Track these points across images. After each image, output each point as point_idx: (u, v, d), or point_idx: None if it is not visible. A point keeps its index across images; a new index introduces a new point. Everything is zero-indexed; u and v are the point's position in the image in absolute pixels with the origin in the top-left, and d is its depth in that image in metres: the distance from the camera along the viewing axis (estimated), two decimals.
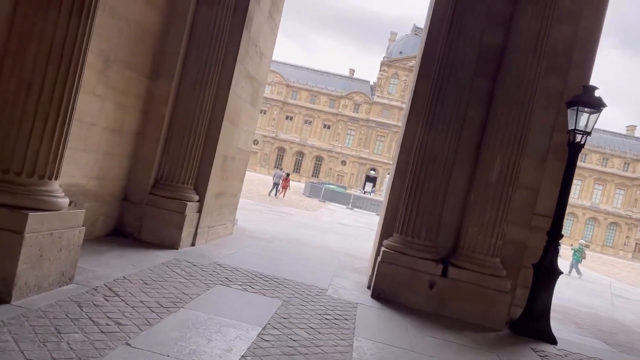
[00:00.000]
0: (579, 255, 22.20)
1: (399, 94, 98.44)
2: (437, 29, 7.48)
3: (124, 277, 5.15)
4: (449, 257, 7.29)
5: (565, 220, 7.72)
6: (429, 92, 7.33)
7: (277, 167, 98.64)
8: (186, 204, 7.27)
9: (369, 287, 7.51)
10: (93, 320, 3.82)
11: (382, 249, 7.27)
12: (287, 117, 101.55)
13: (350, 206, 35.10)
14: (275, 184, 31.01)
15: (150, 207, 7.23)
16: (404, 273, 7.04)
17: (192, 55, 7.39)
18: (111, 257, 5.88)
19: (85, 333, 3.56)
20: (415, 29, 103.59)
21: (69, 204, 5.73)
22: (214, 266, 6.63)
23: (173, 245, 7.20)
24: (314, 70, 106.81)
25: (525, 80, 7.12)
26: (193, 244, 7.72)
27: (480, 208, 7.15)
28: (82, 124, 5.74)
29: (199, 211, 7.74)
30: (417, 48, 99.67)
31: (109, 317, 3.96)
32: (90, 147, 6.07)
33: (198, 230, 7.76)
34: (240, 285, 5.97)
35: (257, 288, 6.00)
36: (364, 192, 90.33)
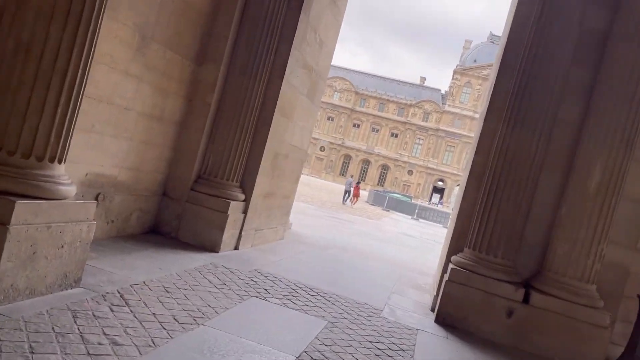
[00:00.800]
0: None
1: (472, 104, 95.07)
2: (526, 8, 6.32)
3: (144, 282, 4.44)
4: (532, 281, 6.08)
5: None
6: (513, 84, 6.18)
7: (342, 174, 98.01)
8: (229, 202, 6.53)
9: (432, 310, 6.43)
10: (83, 337, 3.08)
11: (451, 266, 6.18)
12: (354, 125, 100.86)
13: (415, 216, 33.59)
14: (347, 192, 31.27)
15: (191, 205, 6.56)
16: (475, 296, 5.91)
17: (242, 39, 6.67)
18: (139, 257, 5.23)
19: (65, 355, 2.82)
20: (492, 37, 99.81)
21: (97, 197, 5.14)
22: (254, 274, 5.83)
23: (213, 247, 6.48)
24: (383, 77, 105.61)
25: (638, 72, 5.82)
26: (236, 248, 6.98)
27: (573, 223, 5.89)
28: (112, 107, 5.14)
29: (245, 212, 7.00)
30: (493, 56, 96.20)
31: (105, 334, 3.21)
32: (123, 134, 5.47)
33: (242, 233, 7.02)
34: (280, 299, 5.11)
35: (299, 304, 5.12)
36: (431, 203, 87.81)
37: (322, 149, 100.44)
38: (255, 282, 5.50)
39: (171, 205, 6.58)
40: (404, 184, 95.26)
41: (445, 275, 6.33)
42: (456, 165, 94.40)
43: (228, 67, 6.70)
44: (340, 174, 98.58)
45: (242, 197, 6.93)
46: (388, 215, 30.54)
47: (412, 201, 49.92)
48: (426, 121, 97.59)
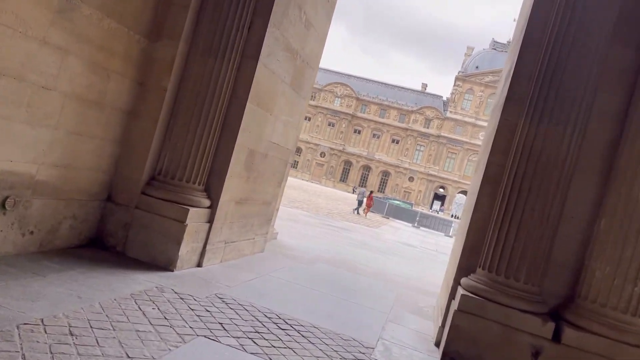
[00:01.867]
0: None
1: (473, 110, 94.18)
2: None
3: (42, 320, 3.22)
4: (563, 311, 4.85)
5: None
6: (539, 68, 4.98)
7: (343, 181, 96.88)
8: (188, 209, 5.32)
9: (437, 344, 5.20)
10: None
11: (460, 291, 4.95)
12: (355, 131, 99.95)
13: (416, 224, 32.31)
14: (360, 202, 30.82)
15: (141, 212, 5.35)
16: (492, 330, 4.69)
17: (207, 10, 5.48)
18: (55, 281, 4.00)
19: None
20: (494, 44, 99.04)
21: (4, 201, 3.94)
22: (211, 301, 4.61)
23: (167, 265, 5.27)
24: (384, 83, 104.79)
25: None
26: (199, 265, 5.76)
27: (616, 239, 4.67)
28: (24, 84, 3.94)
29: (210, 221, 5.79)
30: (495, 63, 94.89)
31: None
32: (43, 121, 4.26)
33: (208, 247, 5.80)
34: (238, 338, 3.88)
35: (264, 345, 3.88)
36: (434, 211, 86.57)
37: (322, 154, 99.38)
38: (210, 312, 4.28)
39: (117, 213, 5.37)
40: (404, 191, 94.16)
41: (453, 302, 5.11)
42: (457, 172, 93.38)
43: (190, 44, 5.51)
44: (340, 180, 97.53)
45: (207, 203, 5.72)
46: (387, 222, 29.29)
47: (413, 208, 48.71)
48: (427, 128, 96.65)
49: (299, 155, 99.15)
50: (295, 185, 47.31)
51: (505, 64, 7.18)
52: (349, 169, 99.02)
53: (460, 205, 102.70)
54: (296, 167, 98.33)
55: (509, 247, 4.81)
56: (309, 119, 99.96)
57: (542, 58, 4.97)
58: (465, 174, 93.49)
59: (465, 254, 5.31)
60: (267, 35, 5.81)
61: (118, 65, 4.97)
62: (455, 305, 4.91)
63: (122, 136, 5.32)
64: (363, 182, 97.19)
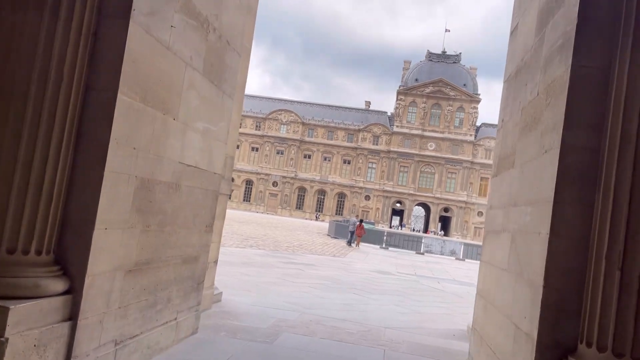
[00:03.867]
0: None
1: (419, 122, 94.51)
2: None
3: None
4: None
5: None
6: None
7: (299, 208, 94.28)
8: (7, 309, 2.67)
9: None
10: None
11: None
12: (305, 156, 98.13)
13: (384, 245, 30.07)
14: (351, 233, 28.61)
15: None
16: None
17: None
18: None
19: None
20: (430, 55, 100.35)
21: None
22: None
23: None
24: (328, 105, 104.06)
25: None
26: None
27: None
28: None
29: (73, 316, 3.14)
30: (433, 74, 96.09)
31: None
32: None
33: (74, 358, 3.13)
34: None
35: None
36: (395, 227, 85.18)
37: (274, 184, 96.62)
38: None
39: None
40: (362, 210, 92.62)
41: None
42: (412, 185, 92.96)
43: None
44: (296, 208, 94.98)
45: (61, 285, 3.07)
46: (354, 247, 26.86)
47: (376, 227, 46.73)
48: (377, 144, 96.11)
49: (252, 187, 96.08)
50: (250, 219, 44.38)
51: None
52: (304, 196, 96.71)
53: (419, 218, 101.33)
54: (249, 201, 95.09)
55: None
56: (257, 149, 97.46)
57: None
58: (420, 186, 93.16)
59: (548, 318, 2.87)
60: None
61: None
62: None
63: None
64: (320, 207, 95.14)
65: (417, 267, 20.12)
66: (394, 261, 21.63)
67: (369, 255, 23.29)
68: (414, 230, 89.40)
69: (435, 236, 55.07)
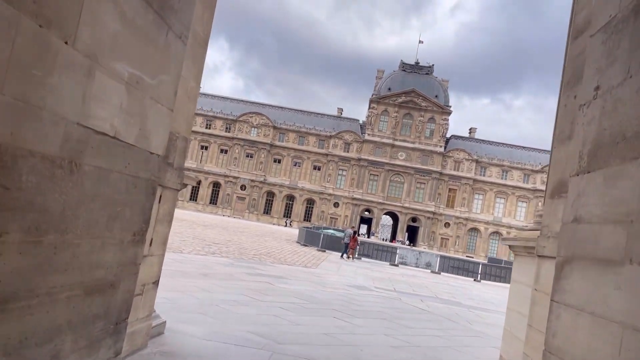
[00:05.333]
0: None
1: (390, 131, 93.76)
2: None
3: None
4: None
5: None
6: None
7: (267, 213, 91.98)
8: None
9: None
10: None
11: None
12: (275, 160, 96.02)
13: (356, 255, 28.41)
14: (346, 245, 27.00)
15: None
16: None
17: None
18: None
19: None
20: (403, 65, 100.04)
21: None
22: None
23: None
24: (301, 110, 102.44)
25: None
26: None
27: None
28: None
29: None
30: (406, 85, 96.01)
31: None
32: None
33: None
34: None
35: None
36: (368, 236, 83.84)
37: (243, 187, 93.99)
38: None
39: None
40: (330, 217, 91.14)
41: None
42: (381, 194, 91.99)
43: None
44: (264, 213, 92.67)
45: None
46: (325, 257, 25.07)
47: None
48: (347, 152, 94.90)
49: (219, 190, 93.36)
50: (216, 222, 42.10)
51: None
52: (272, 200, 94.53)
53: (386, 227, 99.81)
54: (216, 204, 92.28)
55: None
56: (225, 152, 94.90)
57: None
58: (389, 195, 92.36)
59: None
60: None
61: None
62: None
63: None
64: (288, 212, 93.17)
65: (394, 281, 18.53)
66: (369, 273, 19.98)
67: (341, 266, 21.57)
68: (384, 239, 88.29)
69: (409, 247, 53.88)
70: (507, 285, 28.34)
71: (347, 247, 26.80)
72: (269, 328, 6.63)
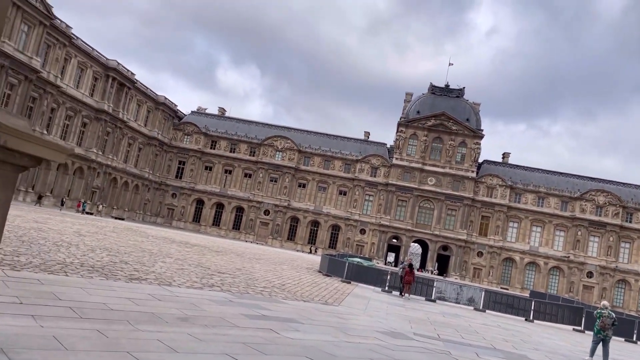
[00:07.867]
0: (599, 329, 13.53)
1: (419, 155, 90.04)
2: None
3: None
4: None
5: None
6: None
7: (290, 239, 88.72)
8: None
9: None
10: None
11: None
12: (299, 185, 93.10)
13: (386, 288, 24.80)
14: (402, 278, 23.74)
15: None
16: None
17: None
18: None
19: None
20: (433, 88, 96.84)
21: None
22: None
23: None
24: (326, 134, 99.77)
25: None
26: None
27: None
28: None
29: None
30: (435, 107, 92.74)
31: None
32: None
33: None
34: None
35: None
36: (389, 263, 79.56)
37: (266, 212, 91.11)
38: None
39: None
40: (357, 244, 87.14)
41: None
42: (410, 221, 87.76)
43: None
44: (288, 239, 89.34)
45: None
46: (351, 289, 21.56)
47: (375, 264, 41.50)
48: (374, 176, 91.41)
49: (242, 215, 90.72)
50: (233, 248, 38.98)
51: None
52: (297, 226, 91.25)
53: (415, 256, 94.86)
54: (239, 229, 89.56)
55: None
56: (250, 176, 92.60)
57: None
58: (418, 222, 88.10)
59: None
60: None
61: None
62: None
63: None
64: (312, 238, 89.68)
65: (435, 323, 14.96)
66: (403, 312, 16.43)
67: (370, 302, 18.05)
68: (417, 269, 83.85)
69: (442, 278, 49.61)
70: (564, 326, 24.12)
71: (402, 280, 23.33)
72: None
